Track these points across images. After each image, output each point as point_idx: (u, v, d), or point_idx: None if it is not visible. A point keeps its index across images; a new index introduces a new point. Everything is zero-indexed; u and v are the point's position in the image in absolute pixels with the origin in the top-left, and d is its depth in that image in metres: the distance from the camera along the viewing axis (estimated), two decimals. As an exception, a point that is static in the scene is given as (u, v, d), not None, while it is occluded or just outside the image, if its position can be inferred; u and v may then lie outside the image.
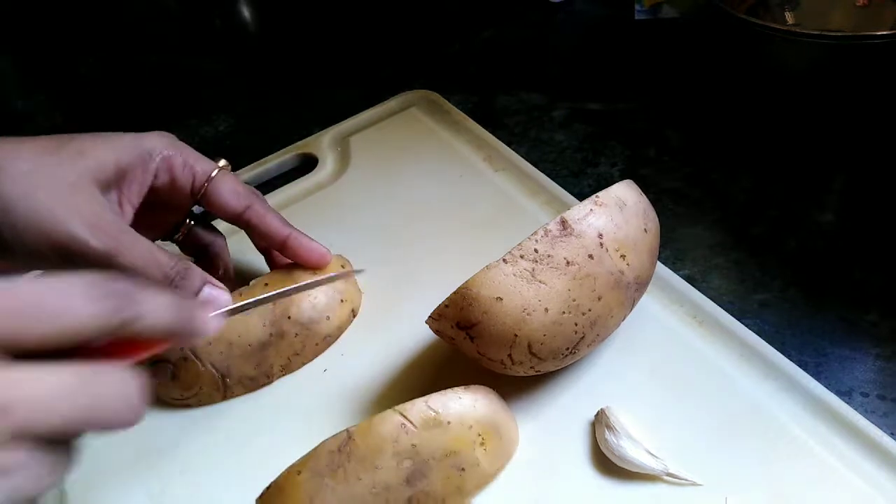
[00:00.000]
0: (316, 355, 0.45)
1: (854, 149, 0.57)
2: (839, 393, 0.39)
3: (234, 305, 0.35)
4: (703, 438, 0.38)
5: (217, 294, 0.41)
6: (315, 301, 0.44)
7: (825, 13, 0.66)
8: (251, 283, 0.45)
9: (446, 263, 0.49)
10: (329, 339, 0.46)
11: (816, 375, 0.40)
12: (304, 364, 0.45)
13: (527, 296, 0.35)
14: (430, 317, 0.38)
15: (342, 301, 0.46)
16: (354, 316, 0.47)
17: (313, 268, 0.45)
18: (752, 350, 0.41)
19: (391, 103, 0.66)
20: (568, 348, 0.37)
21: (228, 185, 0.43)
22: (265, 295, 0.37)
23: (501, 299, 0.35)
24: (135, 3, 0.95)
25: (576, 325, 0.36)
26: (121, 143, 0.39)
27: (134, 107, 0.76)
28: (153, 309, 0.25)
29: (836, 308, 0.45)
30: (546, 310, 0.35)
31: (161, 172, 0.41)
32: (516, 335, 0.36)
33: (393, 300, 0.48)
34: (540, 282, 0.35)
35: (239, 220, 0.44)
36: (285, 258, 0.46)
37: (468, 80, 0.71)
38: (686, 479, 0.36)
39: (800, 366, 0.40)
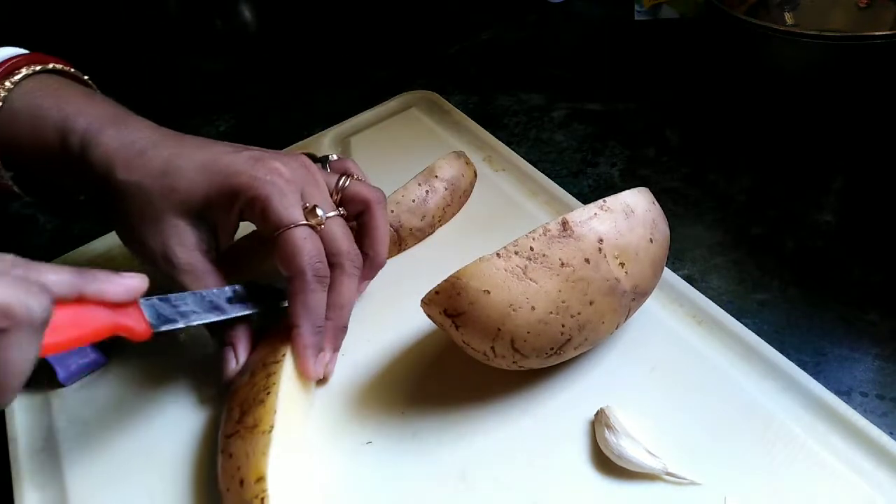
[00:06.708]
0: (460, 207, 0.54)
1: (854, 149, 0.57)
2: (838, 392, 0.39)
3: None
4: (702, 438, 0.38)
5: None
6: (450, 164, 0.53)
7: (825, 13, 0.66)
8: None
9: (445, 263, 0.49)
10: (466, 194, 0.55)
11: (816, 375, 0.40)
12: (453, 215, 0.54)
13: (515, 292, 0.35)
14: (422, 300, 0.38)
15: (467, 164, 0.55)
16: (476, 178, 0.56)
17: None
18: (752, 350, 0.41)
19: (391, 103, 0.66)
20: (553, 348, 0.37)
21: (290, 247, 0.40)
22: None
23: (489, 292, 0.35)
24: (135, 3, 0.95)
25: (563, 326, 0.36)
26: (213, 178, 0.40)
27: (134, 107, 0.76)
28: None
29: (835, 308, 0.45)
30: (533, 308, 0.35)
31: (245, 212, 0.40)
32: (500, 329, 0.36)
33: (392, 299, 0.48)
34: (530, 279, 0.35)
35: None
36: None
37: (468, 80, 0.71)
38: (686, 479, 0.36)
39: (799, 365, 0.40)
